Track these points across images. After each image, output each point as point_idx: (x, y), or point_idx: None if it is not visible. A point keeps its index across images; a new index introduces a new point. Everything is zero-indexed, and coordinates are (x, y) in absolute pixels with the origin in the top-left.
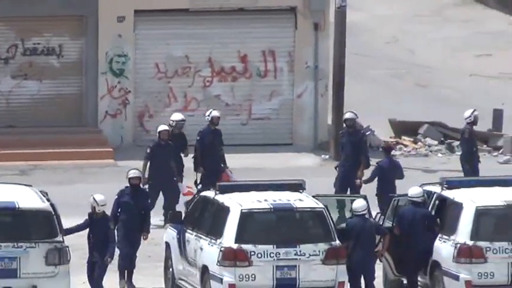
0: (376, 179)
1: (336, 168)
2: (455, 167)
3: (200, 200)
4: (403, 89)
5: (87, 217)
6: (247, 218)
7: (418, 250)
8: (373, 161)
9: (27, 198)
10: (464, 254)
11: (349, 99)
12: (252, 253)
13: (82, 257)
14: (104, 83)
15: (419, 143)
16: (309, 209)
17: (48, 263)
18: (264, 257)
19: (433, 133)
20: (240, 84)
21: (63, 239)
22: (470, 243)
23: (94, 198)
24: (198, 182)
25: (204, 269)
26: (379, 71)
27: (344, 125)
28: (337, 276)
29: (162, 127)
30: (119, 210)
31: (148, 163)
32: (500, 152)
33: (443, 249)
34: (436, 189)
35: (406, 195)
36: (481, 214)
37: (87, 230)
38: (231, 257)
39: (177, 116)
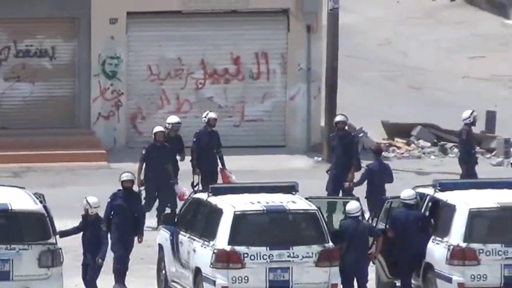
0: (366, 181)
1: (327, 172)
2: (448, 169)
3: (193, 201)
4: (396, 91)
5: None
6: (240, 220)
7: (411, 252)
8: (366, 163)
9: (20, 200)
10: (458, 256)
11: (342, 101)
12: (245, 255)
13: (75, 259)
14: (97, 85)
15: (412, 145)
16: (302, 211)
17: (41, 265)
18: (257, 259)
19: (426, 135)
20: (232, 86)
21: (56, 241)
22: (464, 245)
23: (87, 201)
24: (195, 183)
25: (197, 271)
26: (372, 73)
27: (336, 127)
28: (330, 279)
29: (158, 128)
30: (112, 213)
31: (144, 165)
32: (493, 154)
33: (436, 251)
34: (429, 191)
35: (399, 197)
36: (474, 216)
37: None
38: (224, 259)
39: (173, 119)
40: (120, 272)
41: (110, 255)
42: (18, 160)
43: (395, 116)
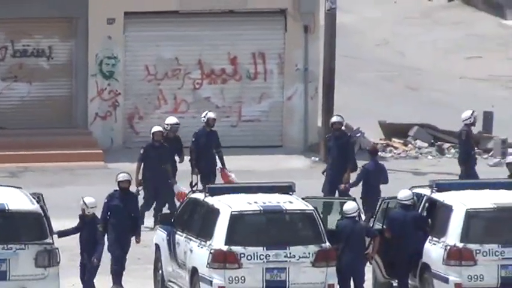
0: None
1: (323, 173)
2: (445, 169)
3: (190, 201)
4: (393, 92)
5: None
6: (237, 220)
7: (409, 252)
8: (362, 163)
9: (17, 200)
10: (454, 256)
11: (339, 101)
12: (242, 255)
13: (71, 258)
14: (94, 85)
15: (410, 145)
16: (298, 211)
17: (38, 265)
18: (254, 259)
19: (423, 135)
20: (230, 86)
21: (52, 240)
22: (460, 245)
23: (84, 201)
24: (194, 183)
25: (194, 271)
26: (369, 73)
27: (332, 128)
28: (326, 279)
29: (156, 128)
30: (109, 213)
31: (142, 165)
32: (490, 154)
33: (433, 251)
34: (426, 191)
35: (396, 197)
36: (471, 216)
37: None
38: (220, 259)
39: (171, 120)
40: (118, 273)
41: (107, 256)
42: (15, 160)
43: (392, 116)
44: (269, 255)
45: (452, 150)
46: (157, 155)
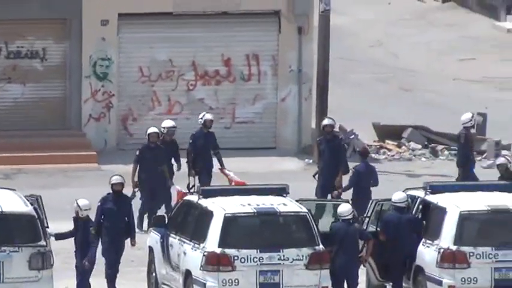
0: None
1: (314, 176)
2: (439, 171)
3: (184, 204)
4: (387, 93)
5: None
6: (230, 222)
7: (403, 255)
8: (353, 165)
9: (10, 202)
10: (448, 259)
11: (333, 103)
12: (236, 258)
13: (65, 261)
14: (88, 86)
15: (403, 147)
16: (292, 214)
17: (32, 268)
18: (248, 261)
19: (417, 137)
20: (223, 88)
21: (46, 243)
22: (454, 248)
23: (77, 203)
24: (191, 185)
25: (187, 274)
26: (363, 74)
27: (323, 130)
28: (320, 281)
29: (152, 129)
30: (103, 217)
31: (138, 166)
32: (484, 156)
33: (426, 254)
34: (420, 193)
35: (389, 199)
36: (465, 219)
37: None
38: (214, 262)
39: (168, 123)
40: (112, 278)
41: (101, 259)
42: (9, 162)
43: (386, 117)
44: (263, 258)
45: (446, 152)
46: (153, 157)
